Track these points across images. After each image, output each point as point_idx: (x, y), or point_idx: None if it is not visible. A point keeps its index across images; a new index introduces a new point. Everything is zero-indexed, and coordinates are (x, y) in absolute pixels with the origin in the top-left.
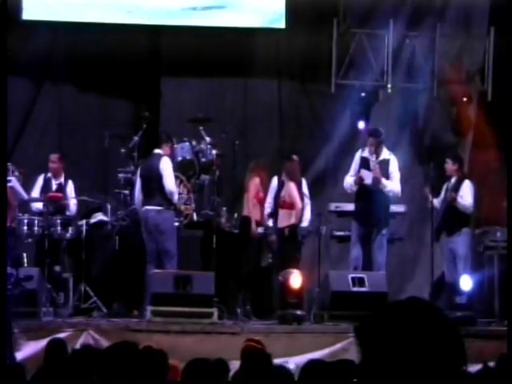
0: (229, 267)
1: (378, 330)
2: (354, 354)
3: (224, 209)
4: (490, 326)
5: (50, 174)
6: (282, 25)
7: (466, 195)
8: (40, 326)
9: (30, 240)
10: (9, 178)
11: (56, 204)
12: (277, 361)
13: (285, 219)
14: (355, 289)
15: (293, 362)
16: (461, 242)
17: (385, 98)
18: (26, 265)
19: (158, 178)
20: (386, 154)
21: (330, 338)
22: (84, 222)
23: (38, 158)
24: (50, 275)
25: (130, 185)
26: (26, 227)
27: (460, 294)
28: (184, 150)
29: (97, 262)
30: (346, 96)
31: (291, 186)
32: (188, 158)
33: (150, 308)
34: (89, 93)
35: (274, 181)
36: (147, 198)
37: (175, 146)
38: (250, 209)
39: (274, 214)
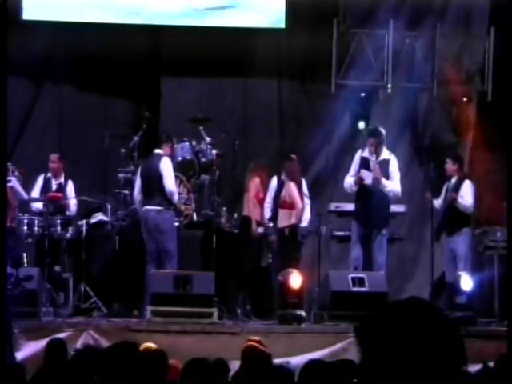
0: (229, 267)
1: (378, 329)
2: (354, 354)
3: (224, 209)
4: (490, 326)
5: (49, 174)
6: (282, 25)
7: (467, 195)
8: (40, 326)
9: (29, 240)
10: (9, 178)
11: (56, 204)
12: (277, 361)
13: (285, 219)
14: (355, 289)
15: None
16: (461, 241)
17: (385, 98)
18: (25, 265)
19: (158, 178)
20: (385, 154)
21: (330, 338)
22: (84, 221)
23: (38, 158)
24: (50, 275)
25: (130, 185)
26: (26, 227)
27: (460, 294)
28: (184, 150)
29: (97, 262)
30: (345, 96)
31: (291, 186)
32: (188, 158)
33: (149, 308)
34: (89, 93)
35: (274, 181)
36: (147, 198)
37: (175, 146)
38: (251, 209)
39: (273, 214)
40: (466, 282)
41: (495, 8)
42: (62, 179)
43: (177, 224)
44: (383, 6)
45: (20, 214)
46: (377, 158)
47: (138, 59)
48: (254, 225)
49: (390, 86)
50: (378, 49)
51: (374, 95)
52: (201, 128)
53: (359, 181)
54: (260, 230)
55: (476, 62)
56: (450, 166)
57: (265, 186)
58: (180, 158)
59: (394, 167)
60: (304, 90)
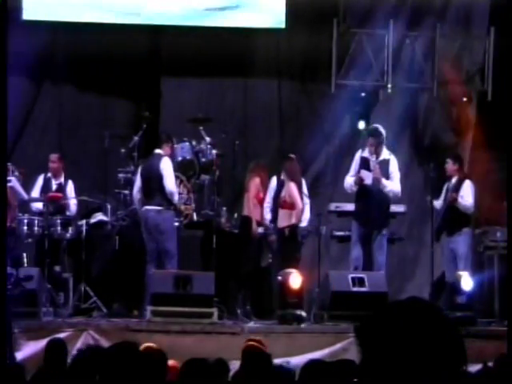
0: (229, 267)
1: (378, 329)
2: (354, 354)
3: (224, 209)
4: (490, 326)
5: (49, 174)
6: (282, 25)
7: (467, 195)
8: (40, 326)
9: (29, 240)
10: (9, 178)
11: (56, 204)
12: (277, 361)
13: (285, 219)
14: (355, 289)
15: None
16: (461, 241)
17: (385, 98)
18: (25, 265)
19: (159, 178)
20: (385, 154)
21: (330, 338)
22: (84, 221)
23: (38, 158)
24: (50, 275)
25: (130, 185)
26: (26, 227)
27: (460, 294)
28: (184, 150)
29: (97, 262)
30: (345, 96)
31: (291, 186)
32: (188, 158)
33: (149, 308)
34: (89, 93)
35: (273, 181)
36: (147, 198)
37: (175, 146)
38: (251, 209)
39: (273, 214)
40: (467, 282)
41: (495, 8)
42: (62, 179)
43: (177, 224)
44: (383, 6)
45: (20, 214)
46: (377, 158)
47: (138, 59)
48: (254, 225)
49: (389, 85)
50: (378, 49)
51: (374, 95)
52: (201, 128)
53: (359, 181)
54: (260, 230)
55: (476, 62)
56: (450, 166)
57: (265, 186)
58: (180, 158)
59: (394, 167)
60: (304, 90)
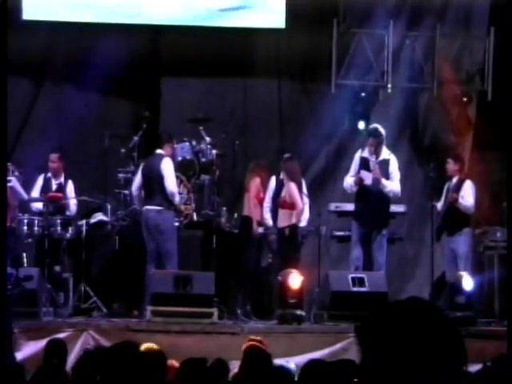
0: (229, 267)
1: (378, 329)
2: (354, 354)
3: (224, 209)
4: (490, 326)
5: (49, 174)
6: (282, 25)
7: (468, 196)
8: (40, 326)
9: (29, 240)
10: (9, 178)
11: (56, 204)
12: (277, 361)
13: (285, 219)
14: (355, 289)
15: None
16: (462, 241)
17: (385, 98)
18: (25, 265)
19: (160, 178)
20: (385, 154)
21: (330, 338)
22: (84, 222)
23: (38, 158)
24: (50, 275)
25: (130, 185)
26: (26, 227)
27: (460, 294)
28: (184, 150)
29: (97, 261)
30: (345, 96)
31: (292, 186)
32: (188, 158)
33: (149, 308)
34: (89, 93)
35: (272, 181)
36: (148, 198)
37: (175, 146)
38: (251, 209)
39: (273, 214)
40: (467, 282)
41: (495, 8)
42: (62, 179)
43: (177, 224)
44: (383, 6)
45: (20, 214)
46: (376, 158)
47: (138, 59)
48: (254, 225)
49: (389, 86)
50: (378, 49)
51: (374, 95)
52: (201, 128)
53: (359, 181)
54: (260, 230)
55: (476, 62)
56: (451, 166)
57: (265, 186)
58: (180, 158)
59: (394, 167)
60: (304, 90)
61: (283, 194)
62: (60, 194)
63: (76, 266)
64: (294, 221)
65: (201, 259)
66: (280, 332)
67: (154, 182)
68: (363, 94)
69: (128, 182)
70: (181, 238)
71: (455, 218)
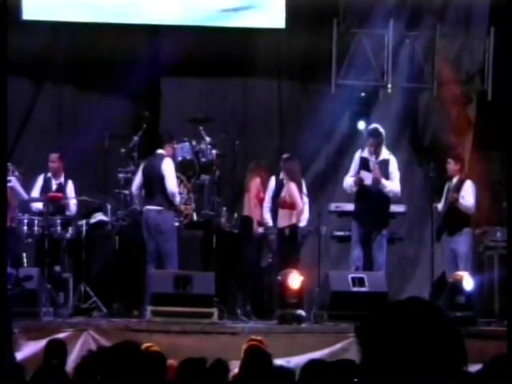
0: (229, 267)
1: (378, 329)
2: (354, 354)
3: (224, 209)
4: (490, 326)
5: (49, 174)
6: (282, 25)
7: (468, 196)
8: (40, 326)
9: (30, 240)
10: (9, 178)
11: (56, 204)
12: (277, 361)
13: (285, 219)
14: (355, 289)
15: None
16: (462, 241)
17: (384, 98)
18: (25, 265)
19: (160, 178)
20: (385, 154)
21: (330, 338)
22: (84, 221)
23: (38, 158)
24: (50, 275)
25: (130, 185)
26: (26, 227)
27: (460, 294)
28: (184, 150)
29: (97, 261)
30: (345, 96)
31: (292, 186)
32: (188, 158)
33: (149, 308)
34: (89, 93)
35: (272, 181)
36: (148, 198)
37: (175, 146)
38: (252, 209)
39: (273, 214)
40: (467, 282)
41: (495, 8)
42: (62, 179)
43: (177, 224)
44: (383, 6)
45: (20, 214)
46: (376, 158)
47: (138, 59)
48: (255, 225)
49: (389, 85)
50: (378, 49)
51: (374, 95)
52: (201, 128)
53: (359, 182)
54: (260, 229)
55: (476, 62)
56: (452, 165)
57: (265, 186)
58: (180, 158)
59: (394, 167)
60: (304, 90)
61: (283, 194)
62: (60, 194)
63: (76, 266)
64: (293, 221)
65: (201, 259)
66: (280, 332)
67: (154, 182)
68: (363, 94)
69: (128, 182)
70: (181, 238)
71: (455, 218)
